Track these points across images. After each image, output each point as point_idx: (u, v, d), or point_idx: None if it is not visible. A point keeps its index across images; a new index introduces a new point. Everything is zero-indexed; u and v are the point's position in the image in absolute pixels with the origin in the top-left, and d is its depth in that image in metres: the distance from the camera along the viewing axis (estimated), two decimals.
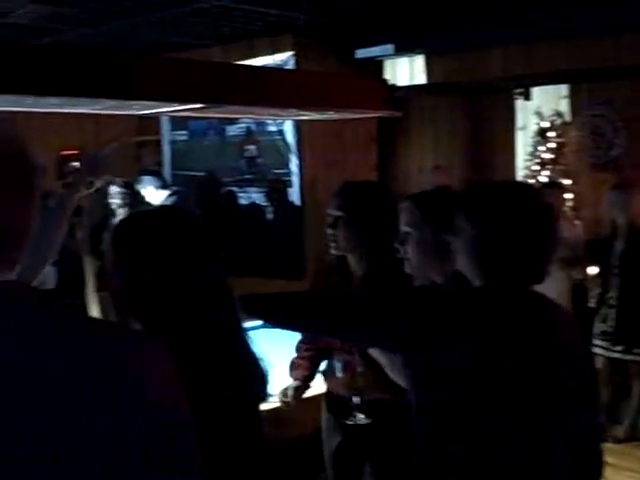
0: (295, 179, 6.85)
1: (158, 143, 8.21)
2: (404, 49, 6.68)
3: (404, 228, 2.25)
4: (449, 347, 1.67)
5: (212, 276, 1.67)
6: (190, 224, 1.71)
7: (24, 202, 1.04)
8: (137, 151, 8.60)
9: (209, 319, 1.61)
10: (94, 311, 5.16)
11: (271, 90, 4.60)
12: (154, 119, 7.57)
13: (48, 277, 5.00)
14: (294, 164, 6.87)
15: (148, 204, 5.86)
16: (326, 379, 2.99)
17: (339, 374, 2.80)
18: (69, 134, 8.81)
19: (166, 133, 8.10)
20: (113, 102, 3.95)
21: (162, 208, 2.98)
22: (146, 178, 6.02)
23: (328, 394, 2.97)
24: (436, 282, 2.17)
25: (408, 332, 1.71)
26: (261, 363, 1.69)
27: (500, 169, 7.39)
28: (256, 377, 1.69)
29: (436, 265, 2.17)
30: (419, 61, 6.90)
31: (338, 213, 2.76)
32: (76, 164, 9.36)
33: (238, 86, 4.49)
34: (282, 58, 6.61)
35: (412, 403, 1.81)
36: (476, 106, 7.69)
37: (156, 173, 6.10)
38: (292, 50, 6.60)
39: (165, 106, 4.34)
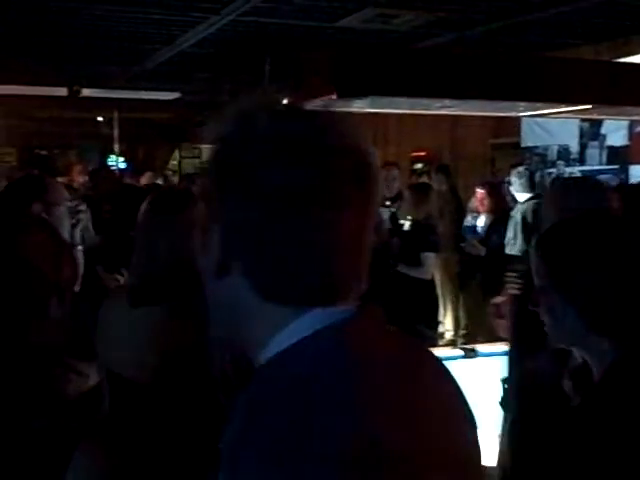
0: None
1: (514, 145, 8.09)
2: None
3: None
4: None
5: None
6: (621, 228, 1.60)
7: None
8: (492, 153, 8.57)
9: None
10: None
11: None
12: (513, 121, 7.47)
13: None
14: None
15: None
16: None
17: None
18: (423, 135, 9.05)
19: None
20: (504, 104, 3.93)
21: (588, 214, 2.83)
22: (514, 180, 5.96)
23: None
24: None
25: None
26: None
27: None
28: None
29: None
30: None
31: None
32: (419, 165, 9.64)
33: (629, 85, 4.23)
34: None
35: None
36: None
37: (525, 175, 5.98)
38: None
39: (551, 107, 4.22)
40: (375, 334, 0.90)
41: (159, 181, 8.22)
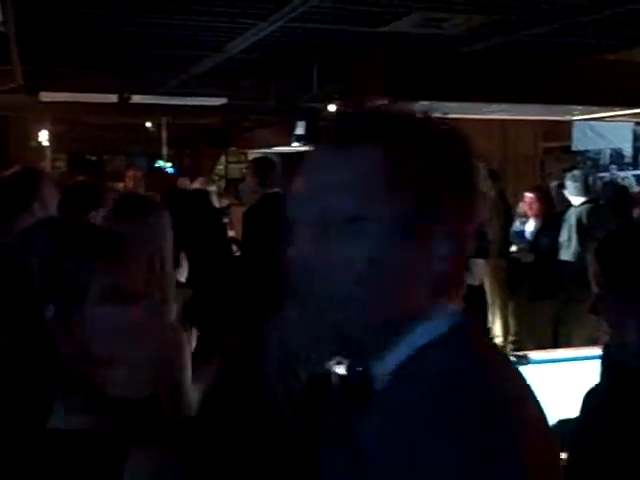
0: None
1: (565, 149, 7.97)
2: None
3: None
4: None
5: None
6: None
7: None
8: (543, 157, 8.46)
9: None
10: None
11: None
12: (564, 124, 7.36)
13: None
14: None
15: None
16: None
17: None
18: (473, 139, 8.96)
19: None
20: (558, 107, 3.87)
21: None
22: (569, 183, 5.87)
23: None
24: None
25: None
26: None
27: None
28: None
29: None
30: None
31: None
32: None
33: None
34: None
35: None
36: None
37: (580, 178, 5.90)
38: None
39: (606, 110, 4.15)
40: (482, 333, 1.01)
41: (213, 187, 8.31)
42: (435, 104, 3.98)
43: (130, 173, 9.83)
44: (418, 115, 0.98)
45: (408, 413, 0.85)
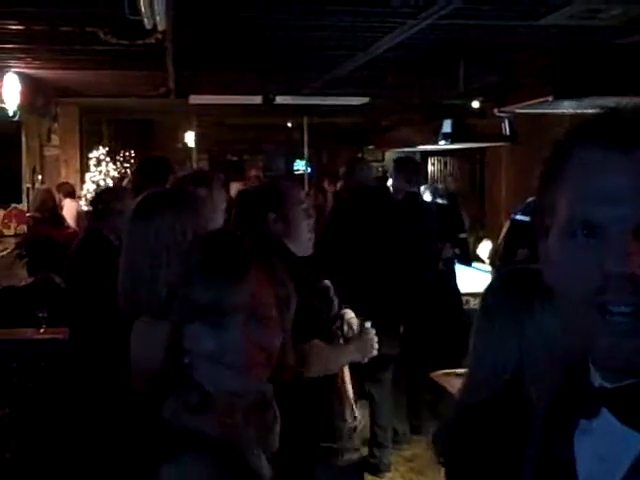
0: None
1: None
2: None
3: None
4: None
5: None
6: None
7: None
8: None
9: None
10: None
11: None
12: None
13: None
14: None
15: None
16: None
17: None
18: None
19: None
20: None
21: None
22: None
23: None
24: None
25: None
26: None
27: None
28: None
29: None
30: None
31: None
32: None
33: None
34: None
35: None
36: None
37: None
38: None
39: None
40: None
41: None
42: (600, 100, 3.81)
43: (252, 173, 10.03)
44: None
45: None
